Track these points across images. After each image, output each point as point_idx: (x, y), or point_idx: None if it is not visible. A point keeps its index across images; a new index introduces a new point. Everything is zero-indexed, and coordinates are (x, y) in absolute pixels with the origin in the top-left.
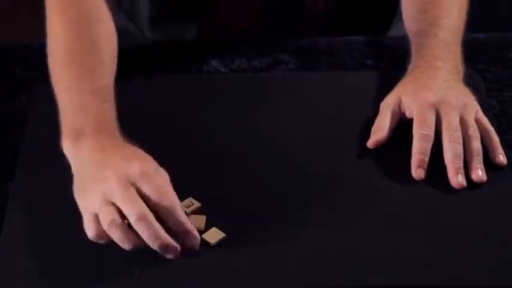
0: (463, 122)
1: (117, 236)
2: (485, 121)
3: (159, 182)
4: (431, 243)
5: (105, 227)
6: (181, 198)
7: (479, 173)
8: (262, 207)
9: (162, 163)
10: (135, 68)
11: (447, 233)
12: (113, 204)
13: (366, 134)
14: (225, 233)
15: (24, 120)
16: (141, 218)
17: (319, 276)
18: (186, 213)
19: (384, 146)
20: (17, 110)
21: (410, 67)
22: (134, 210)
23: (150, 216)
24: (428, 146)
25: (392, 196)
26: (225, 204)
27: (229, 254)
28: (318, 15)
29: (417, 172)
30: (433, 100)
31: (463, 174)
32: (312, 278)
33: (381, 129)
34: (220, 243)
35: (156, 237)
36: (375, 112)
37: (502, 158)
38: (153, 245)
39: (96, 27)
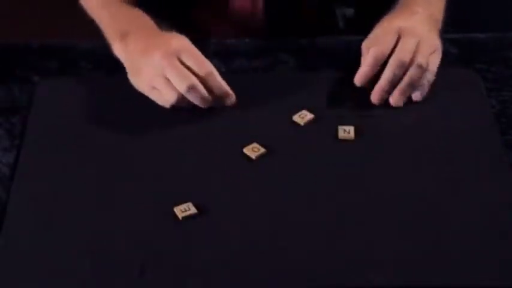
0: (416, 49)
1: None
2: (435, 61)
3: (197, 53)
4: (432, 243)
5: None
6: (182, 199)
7: (396, 99)
8: (262, 207)
9: (162, 163)
10: None
11: (447, 233)
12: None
13: (366, 133)
14: (224, 232)
15: (24, 119)
16: (192, 87)
17: (319, 276)
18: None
19: (384, 146)
20: (16, 110)
21: (388, 13)
22: (185, 81)
23: (198, 85)
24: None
25: (393, 196)
26: (225, 204)
27: (229, 254)
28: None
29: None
30: (398, 25)
31: (382, 98)
32: (312, 278)
33: (362, 66)
34: (219, 243)
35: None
36: (375, 112)
37: (419, 94)
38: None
39: None
